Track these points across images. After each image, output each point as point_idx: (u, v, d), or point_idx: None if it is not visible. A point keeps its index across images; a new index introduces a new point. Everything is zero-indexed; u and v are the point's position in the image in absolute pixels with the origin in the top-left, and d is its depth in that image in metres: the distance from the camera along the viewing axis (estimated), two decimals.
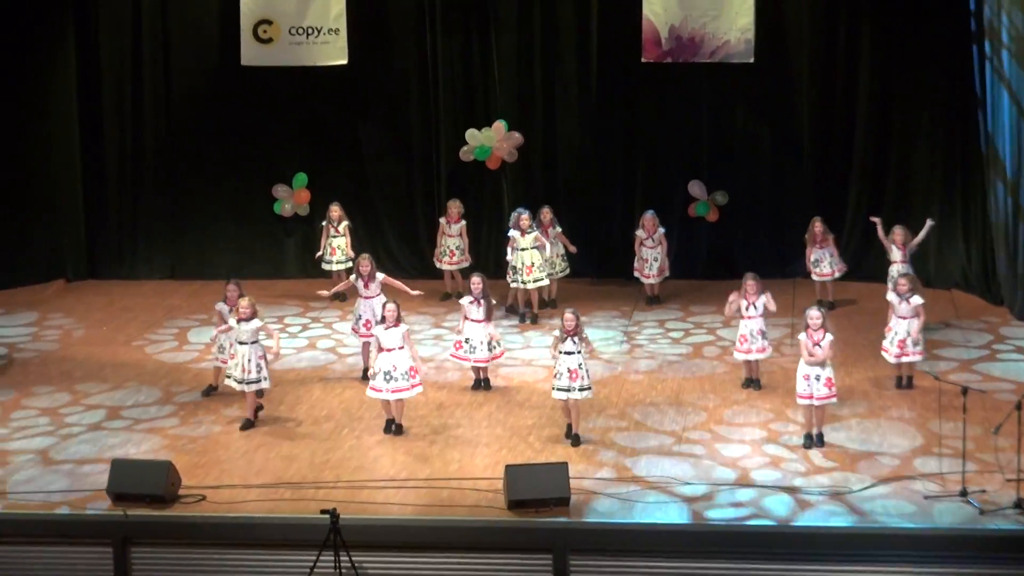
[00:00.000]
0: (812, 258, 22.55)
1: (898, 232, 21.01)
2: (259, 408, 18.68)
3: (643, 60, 24.30)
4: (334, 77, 24.85)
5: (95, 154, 25.52)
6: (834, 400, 17.57)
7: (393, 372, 18.08)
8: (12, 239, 25.11)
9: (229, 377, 18.54)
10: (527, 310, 22.49)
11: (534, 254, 22.27)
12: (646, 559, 15.34)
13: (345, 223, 23.60)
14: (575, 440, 17.62)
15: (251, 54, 24.84)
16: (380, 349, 18.15)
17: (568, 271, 23.27)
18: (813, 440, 17.40)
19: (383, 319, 18.36)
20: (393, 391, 18.12)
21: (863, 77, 24.02)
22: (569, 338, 17.60)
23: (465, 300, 19.68)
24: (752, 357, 19.26)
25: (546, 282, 22.46)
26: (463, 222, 23.66)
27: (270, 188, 25.21)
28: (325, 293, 21.50)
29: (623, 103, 24.79)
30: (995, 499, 15.78)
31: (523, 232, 22.26)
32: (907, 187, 23.95)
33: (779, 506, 15.87)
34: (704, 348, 21.24)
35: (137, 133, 25.50)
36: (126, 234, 25.69)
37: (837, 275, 22.59)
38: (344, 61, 24.71)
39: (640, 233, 23.02)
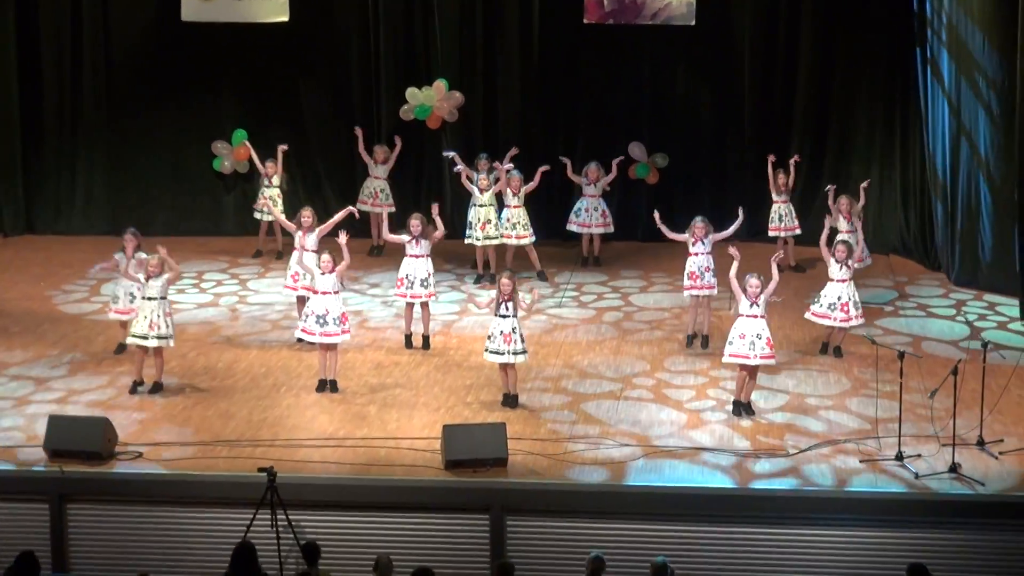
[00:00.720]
0: (771, 213, 22.69)
1: (844, 201, 20.98)
2: (158, 385, 18.25)
3: (585, 21, 24.32)
4: (275, 34, 24.75)
5: (33, 109, 25.33)
6: (772, 361, 17.58)
7: (325, 316, 18.05)
8: None
9: (134, 336, 18.18)
10: (485, 272, 22.41)
11: (490, 211, 22.21)
12: (583, 520, 15.35)
13: (278, 176, 23.59)
14: (512, 402, 17.61)
15: (191, 9, 24.73)
16: (316, 292, 18.17)
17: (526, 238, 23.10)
18: (742, 410, 17.38)
19: (320, 267, 18.28)
20: (323, 335, 18.09)
21: (804, 41, 24.08)
22: (504, 303, 17.58)
23: (404, 237, 19.61)
24: (701, 293, 19.36)
25: (498, 241, 22.33)
26: (390, 164, 23.75)
27: (210, 144, 25.05)
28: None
29: (565, 64, 24.76)
30: (930, 464, 15.88)
31: (482, 190, 22.21)
32: (846, 152, 24.07)
33: (715, 471, 15.96)
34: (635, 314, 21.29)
35: (76, 88, 25.31)
36: (64, 189, 25.49)
37: (795, 233, 22.68)
38: (285, 18, 24.62)
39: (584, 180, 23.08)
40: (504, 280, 17.63)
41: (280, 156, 23.59)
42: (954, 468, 15.66)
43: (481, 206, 22.15)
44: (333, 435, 16.94)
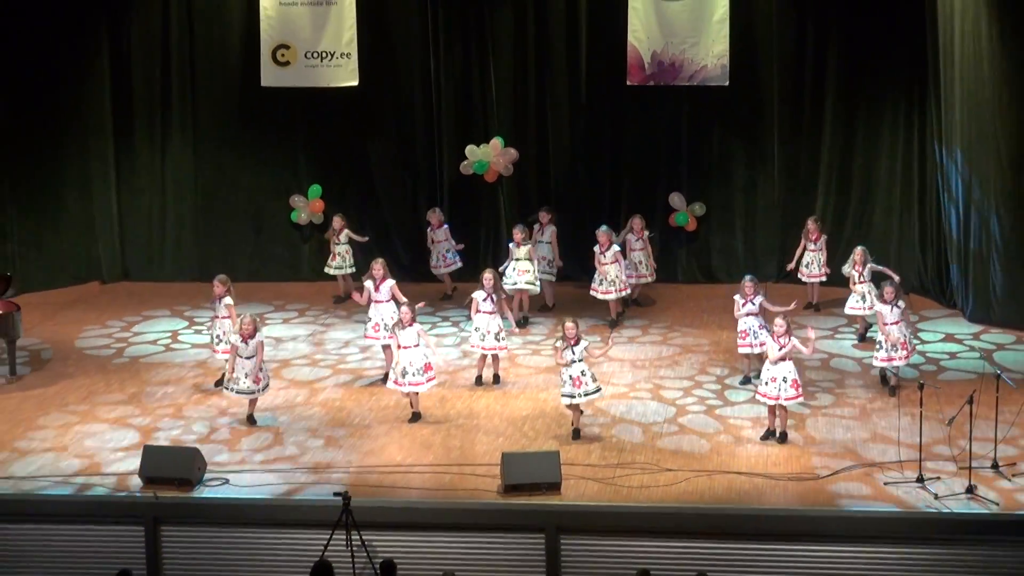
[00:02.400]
0: (804, 260, 22.54)
1: (859, 252, 20.94)
2: (252, 418, 18.40)
3: (628, 83, 24.33)
4: (346, 97, 24.85)
5: (128, 167, 25.49)
6: (800, 400, 17.56)
7: (409, 368, 18.13)
8: (52, 244, 25.11)
9: (231, 390, 18.29)
10: (522, 314, 22.38)
11: (527, 263, 22.24)
12: (630, 538, 15.37)
13: (346, 231, 23.68)
14: (575, 434, 17.56)
15: (270, 76, 24.87)
16: (399, 347, 18.22)
17: (554, 277, 23.15)
18: (775, 436, 17.37)
19: (399, 321, 18.39)
20: (411, 384, 18.20)
21: (829, 100, 24.05)
22: (570, 347, 17.54)
23: (478, 294, 19.66)
24: (756, 351, 19.10)
25: (537, 288, 22.37)
26: (446, 226, 23.78)
27: (287, 198, 25.22)
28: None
29: (610, 122, 24.82)
30: (948, 485, 15.87)
31: (519, 244, 22.27)
32: (869, 200, 24.01)
33: (752, 490, 15.97)
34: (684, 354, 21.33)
35: (166, 147, 25.46)
36: (156, 239, 25.69)
37: (820, 279, 22.56)
38: (355, 83, 24.73)
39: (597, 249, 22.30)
40: (568, 325, 17.59)
41: (341, 220, 23.78)
42: (970, 489, 15.64)
43: (517, 260, 22.19)
44: (402, 462, 17.03)
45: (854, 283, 20.80)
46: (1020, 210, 20.47)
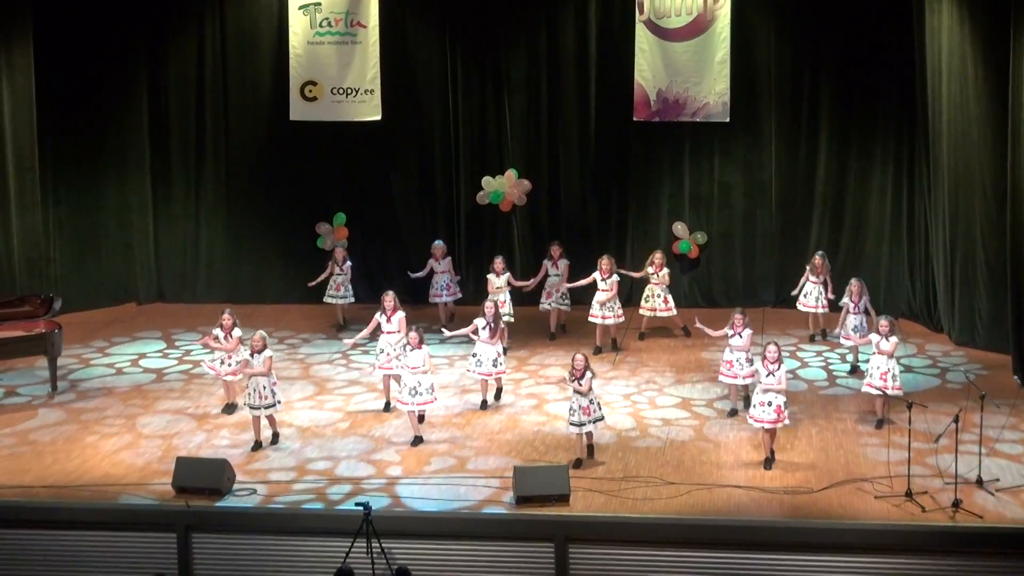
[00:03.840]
0: (805, 290, 22.28)
1: (854, 284, 20.82)
2: (276, 436, 18.28)
3: (635, 119, 24.37)
4: (370, 131, 24.90)
5: (164, 195, 25.57)
6: (784, 423, 17.33)
7: (418, 388, 18.10)
8: (91, 267, 25.18)
9: (251, 408, 18.12)
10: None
11: (505, 293, 22.24)
12: (635, 548, 15.30)
13: (348, 263, 23.65)
14: (577, 463, 17.27)
15: (299, 110, 24.93)
16: (407, 368, 18.22)
17: (568, 305, 23.09)
18: (763, 462, 17.26)
19: (407, 343, 18.35)
20: (419, 404, 18.16)
21: (823, 136, 24.06)
22: (577, 380, 17.41)
23: (479, 322, 19.65)
24: (739, 382, 18.95)
25: (512, 320, 22.01)
26: (448, 258, 23.69)
27: (314, 225, 25.23)
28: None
29: (617, 155, 24.82)
30: (936, 500, 15.81)
31: (497, 274, 22.31)
32: (861, 229, 23.98)
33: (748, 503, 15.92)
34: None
35: (200, 177, 25.55)
36: (190, 263, 25.72)
37: (821, 310, 22.32)
38: (378, 117, 24.78)
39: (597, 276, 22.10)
40: (577, 357, 17.42)
41: (343, 252, 23.75)
42: (956, 504, 15.57)
43: (498, 288, 22.17)
44: (421, 474, 17.00)
45: (848, 312, 20.59)
46: (1003, 240, 20.40)
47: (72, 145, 24.70)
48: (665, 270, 22.39)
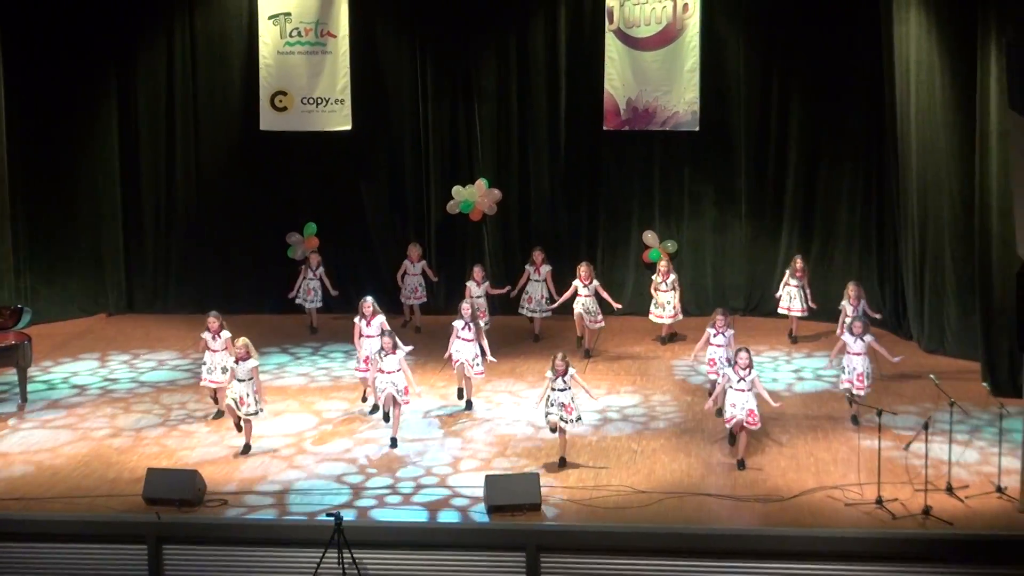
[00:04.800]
0: (786, 292, 22.49)
1: (852, 287, 20.88)
2: (247, 447, 18.24)
3: (604, 128, 24.40)
4: (340, 141, 24.87)
5: (134, 205, 25.46)
6: (754, 427, 17.45)
7: (391, 389, 18.17)
8: (61, 278, 25.05)
9: (231, 400, 18.16)
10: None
11: (483, 301, 22.33)
12: (606, 556, 15.28)
13: (321, 269, 23.73)
14: (562, 462, 17.43)
15: (268, 120, 24.88)
16: (380, 371, 18.23)
17: (550, 313, 23.06)
18: (740, 465, 17.32)
19: (382, 348, 18.37)
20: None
21: (792, 143, 24.13)
22: (560, 378, 17.45)
23: (457, 323, 19.62)
24: (720, 380, 18.86)
25: (488, 326, 21.92)
26: (423, 261, 23.75)
27: (284, 235, 25.18)
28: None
29: (587, 164, 24.84)
30: (906, 506, 15.85)
31: (478, 283, 22.41)
32: (831, 236, 24.04)
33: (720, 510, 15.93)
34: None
35: (170, 187, 25.46)
36: (160, 273, 25.63)
37: (799, 314, 22.47)
38: (349, 127, 24.76)
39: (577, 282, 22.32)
40: (558, 359, 17.44)
41: (318, 257, 23.91)
42: (926, 511, 15.60)
43: (478, 297, 22.21)
44: (392, 484, 16.96)
45: (846, 315, 20.59)
46: (971, 247, 20.47)
47: (41, 156, 24.55)
48: (673, 276, 22.49)
